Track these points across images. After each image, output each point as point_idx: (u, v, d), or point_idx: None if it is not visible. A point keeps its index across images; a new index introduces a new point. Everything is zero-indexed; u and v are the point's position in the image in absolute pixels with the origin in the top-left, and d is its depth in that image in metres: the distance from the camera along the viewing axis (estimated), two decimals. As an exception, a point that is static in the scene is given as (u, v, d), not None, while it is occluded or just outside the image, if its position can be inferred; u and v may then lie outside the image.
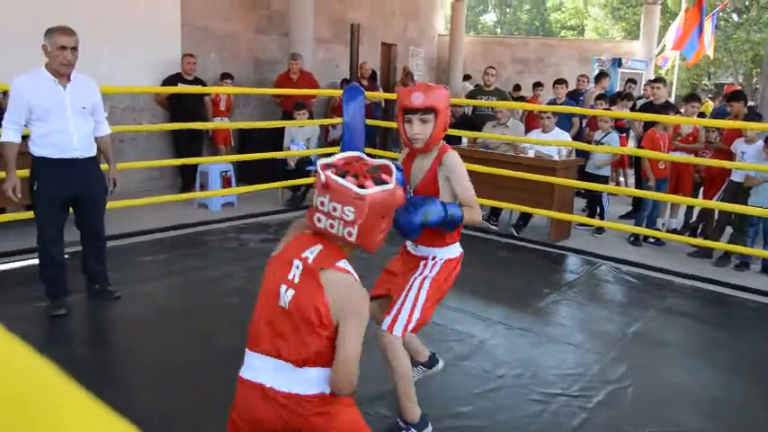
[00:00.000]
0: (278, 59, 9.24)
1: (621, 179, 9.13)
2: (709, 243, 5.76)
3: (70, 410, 0.45)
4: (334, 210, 1.61)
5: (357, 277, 1.70)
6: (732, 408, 3.26)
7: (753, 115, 6.15)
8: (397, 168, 2.54)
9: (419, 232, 2.31)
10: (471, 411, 2.99)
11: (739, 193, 5.68)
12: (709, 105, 11.32)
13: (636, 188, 7.22)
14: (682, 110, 7.56)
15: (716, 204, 5.94)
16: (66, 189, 3.74)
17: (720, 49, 20.01)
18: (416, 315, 2.53)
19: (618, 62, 12.86)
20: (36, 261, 4.00)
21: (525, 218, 6.60)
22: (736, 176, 5.77)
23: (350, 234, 1.62)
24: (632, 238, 6.46)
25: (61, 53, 3.58)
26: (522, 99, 10.85)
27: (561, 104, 7.83)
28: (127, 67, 7.01)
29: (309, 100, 8.15)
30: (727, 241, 5.81)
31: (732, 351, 3.97)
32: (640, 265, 5.58)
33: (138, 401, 2.94)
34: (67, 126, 3.68)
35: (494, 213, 6.77)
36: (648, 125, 6.86)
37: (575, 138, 7.47)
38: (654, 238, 6.33)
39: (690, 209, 7.00)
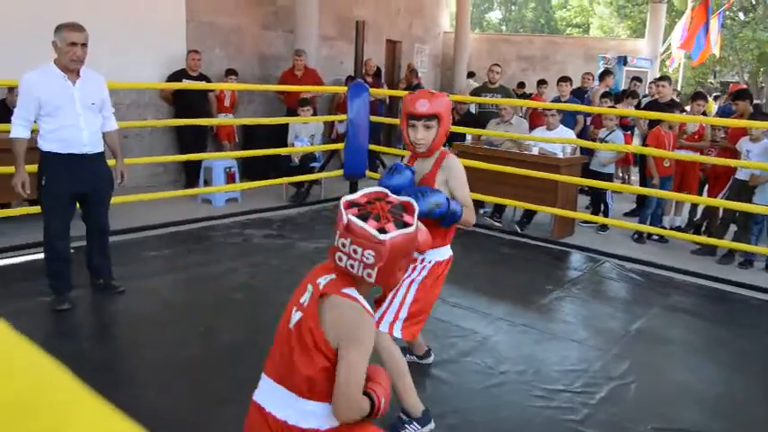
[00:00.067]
0: (283, 56, 9.25)
1: (625, 176, 9.11)
2: (712, 241, 5.75)
3: (75, 409, 0.45)
4: (355, 252, 1.63)
5: (365, 305, 1.69)
6: (734, 405, 3.26)
7: (758, 114, 6.12)
8: (408, 169, 2.59)
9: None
10: (474, 407, 2.99)
11: (744, 191, 5.67)
12: (711, 104, 11.28)
13: (640, 186, 7.20)
14: (687, 108, 7.54)
15: (720, 202, 5.93)
16: (75, 185, 3.76)
17: (726, 47, 19.92)
18: (403, 314, 2.61)
19: (623, 60, 12.81)
20: (41, 256, 4.02)
21: (529, 215, 6.59)
22: (741, 175, 5.76)
23: (369, 275, 1.64)
24: (636, 236, 6.45)
25: (71, 49, 3.59)
26: (525, 96, 10.84)
27: (565, 102, 7.81)
28: (131, 62, 7.02)
29: (314, 96, 8.15)
30: (731, 239, 5.80)
31: (734, 348, 3.96)
32: (644, 263, 5.57)
33: (143, 396, 2.95)
34: (77, 121, 3.70)
35: (497, 210, 6.76)
36: (653, 123, 6.84)
37: (579, 135, 7.45)
38: (658, 235, 6.32)
39: (694, 206, 6.99)
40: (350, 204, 1.68)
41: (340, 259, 1.66)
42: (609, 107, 7.55)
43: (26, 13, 6.14)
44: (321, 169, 7.60)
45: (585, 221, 6.77)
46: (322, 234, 5.95)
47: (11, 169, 4.67)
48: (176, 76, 7.34)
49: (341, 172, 7.14)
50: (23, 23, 6.07)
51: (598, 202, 7.01)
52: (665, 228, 6.57)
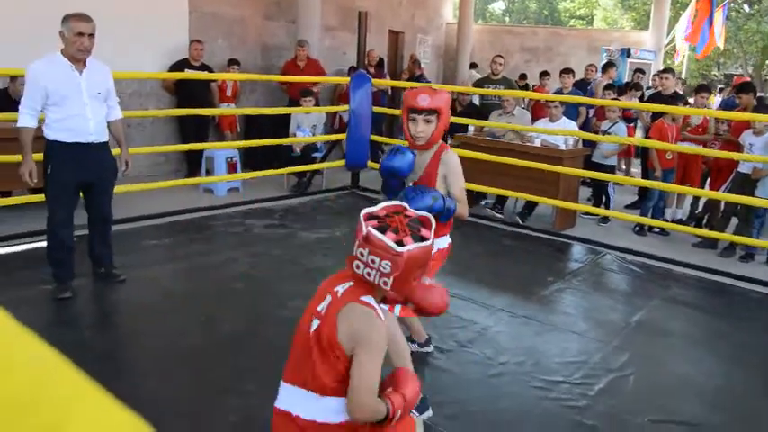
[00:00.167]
0: (285, 46, 9.22)
1: (626, 168, 9.10)
2: (714, 234, 5.75)
3: (76, 402, 0.45)
4: (373, 262, 1.71)
5: (379, 311, 1.76)
6: (733, 397, 3.27)
7: (762, 107, 6.10)
8: (410, 151, 2.64)
9: None
10: (473, 397, 3.00)
11: (746, 184, 5.66)
12: (712, 98, 11.25)
13: (642, 178, 7.19)
14: (691, 100, 7.52)
15: (722, 195, 5.92)
16: (81, 174, 3.77)
17: (731, 40, 19.85)
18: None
19: (627, 52, 12.76)
20: (43, 244, 4.03)
21: (530, 206, 6.59)
22: (744, 168, 5.75)
23: (385, 284, 1.72)
24: (637, 228, 6.45)
25: (78, 39, 3.60)
26: (527, 88, 10.80)
27: (568, 94, 7.79)
28: (134, 52, 7.01)
29: (316, 87, 8.13)
30: (733, 232, 5.79)
31: (734, 341, 3.97)
32: (645, 255, 5.57)
33: (143, 385, 2.96)
34: (84, 111, 3.71)
35: (499, 201, 6.76)
36: (656, 115, 6.82)
37: (581, 127, 7.43)
38: (659, 227, 6.32)
39: (696, 199, 6.98)
40: (369, 216, 1.76)
41: (357, 267, 1.74)
42: (612, 99, 7.53)
43: (27, 2, 6.13)
44: (323, 159, 7.59)
45: (587, 213, 6.77)
46: (323, 224, 5.95)
47: (12, 158, 4.69)
48: (179, 65, 7.33)
49: (343, 162, 7.13)
50: (24, 12, 6.06)
51: (600, 193, 7.00)
52: (666, 220, 6.57)
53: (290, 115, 7.57)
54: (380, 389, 1.77)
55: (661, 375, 3.42)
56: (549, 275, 4.93)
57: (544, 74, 10.03)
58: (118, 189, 4.22)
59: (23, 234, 4.85)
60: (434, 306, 2.04)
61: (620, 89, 8.50)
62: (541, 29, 17.38)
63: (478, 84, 8.40)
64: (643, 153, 7.34)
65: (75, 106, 3.68)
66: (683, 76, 14.06)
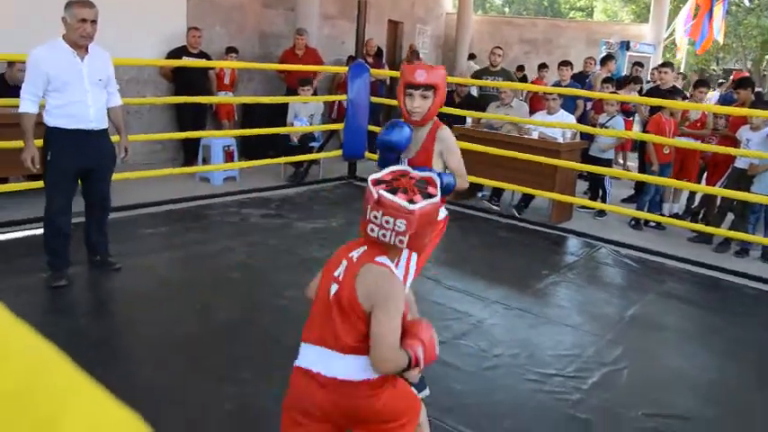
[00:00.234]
0: (283, 34, 9.18)
1: (623, 162, 9.10)
2: (709, 229, 5.76)
3: (72, 395, 0.45)
4: (387, 222, 1.76)
5: (393, 269, 1.82)
6: (727, 392, 3.29)
7: (759, 102, 6.10)
8: (407, 126, 2.67)
9: None
10: (467, 390, 3.02)
11: (742, 180, 5.67)
12: (711, 92, 11.27)
13: (639, 172, 7.20)
14: (688, 94, 7.52)
15: (718, 191, 5.93)
16: (81, 160, 3.77)
17: (730, 34, 19.82)
18: (412, 270, 2.69)
19: (626, 45, 12.73)
20: (37, 231, 4.02)
21: (527, 199, 6.60)
22: (740, 163, 5.76)
23: (401, 242, 1.78)
24: (633, 222, 6.46)
25: (81, 25, 3.59)
26: (524, 79, 10.78)
27: (566, 86, 7.78)
28: (132, 39, 6.96)
29: (314, 76, 8.10)
30: (728, 228, 5.81)
31: (728, 336, 3.99)
32: (640, 249, 5.59)
33: (139, 373, 2.97)
34: (85, 98, 3.71)
35: (496, 194, 6.77)
36: (654, 109, 6.82)
37: (579, 120, 7.43)
38: (655, 222, 6.33)
39: (692, 194, 7.00)
40: (377, 182, 1.82)
41: (372, 230, 1.79)
42: (610, 92, 7.53)
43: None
44: (320, 149, 7.58)
45: (583, 206, 6.78)
46: (320, 214, 5.95)
47: (8, 144, 4.68)
48: (176, 53, 7.29)
49: (340, 152, 7.11)
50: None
51: (596, 187, 7.01)
52: (663, 215, 6.58)
53: (287, 104, 7.55)
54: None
55: (655, 369, 3.44)
56: (545, 268, 4.94)
57: (542, 66, 10.01)
58: (114, 177, 4.21)
59: (20, 221, 4.84)
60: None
61: (619, 82, 8.49)
62: (541, 20, 17.34)
63: (477, 75, 8.38)
64: (640, 147, 7.35)
65: (77, 93, 3.67)
66: (681, 71, 14.04)
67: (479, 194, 7.15)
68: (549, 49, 14.28)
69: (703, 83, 7.26)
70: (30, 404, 0.42)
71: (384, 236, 1.78)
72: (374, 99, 7.27)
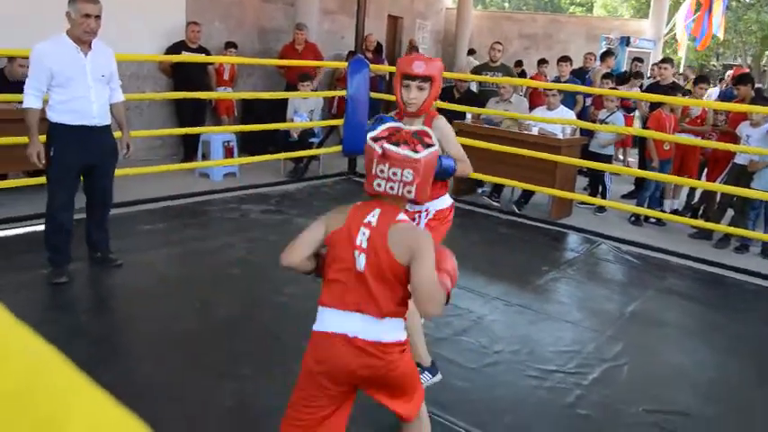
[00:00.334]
0: (283, 29, 9.16)
1: (624, 158, 9.10)
2: (709, 225, 5.76)
3: (72, 396, 0.45)
4: (394, 174, 1.84)
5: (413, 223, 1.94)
6: (727, 388, 3.29)
7: (759, 98, 6.09)
8: (393, 120, 2.69)
9: None
10: (468, 386, 3.02)
11: (742, 176, 5.67)
12: (711, 88, 11.28)
13: (639, 168, 7.19)
14: (691, 89, 7.51)
15: (718, 187, 5.93)
16: (84, 156, 3.76)
17: (730, 30, 19.79)
18: None
19: (626, 41, 12.71)
20: (39, 228, 4.01)
21: (527, 195, 6.59)
22: (740, 159, 5.76)
23: (409, 192, 1.86)
24: (633, 218, 6.46)
25: (85, 21, 3.58)
26: (523, 75, 10.76)
27: (565, 82, 7.77)
28: (131, 34, 6.94)
29: (314, 72, 8.09)
30: (728, 224, 5.80)
31: (728, 332, 3.99)
32: (640, 245, 5.59)
33: (139, 370, 2.97)
34: (88, 93, 3.70)
35: (496, 190, 6.76)
36: (655, 105, 6.81)
37: (579, 116, 7.42)
38: (655, 218, 6.33)
39: (692, 190, 6.99)
40: (376, 138, 1.89)
41: (379, 185, 1.86)
42: (610, 88, 7.51)
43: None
44: (320, 145, 7.57)
45: (583, 203, 6.77)
46: (320, 210, 5.89)
47: (8, 140, 4.68)
48: (175, 48, 7.26)
49: (340, 148, 7.10)
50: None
51: (596, 183, 7.00)
52: (664, 211, 6.58)
53: (287, 100, 7.53)
54: None
55: (655, 365, 3.44)
56: (545, 265, 4.94)
57: (542, 61, 9.99)
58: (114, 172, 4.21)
59: (19, 217, 4.83)
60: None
61: (619, 78, 8.47)
62: (541, 15, 17.30)
63: (476, 70, 8.36)
64: (640, 143, 7.34)
65: (80, 88, 3.67)
66: (681, 67, 14.03)
67: (479, 190, 7.15)
68: (548, 44, 14.25)
69: (703, 79, 7.24)
70: (30, 405, 0.42)
71: (392, 188, 1.86)
72: (374, 94, 7.26)
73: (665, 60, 7.86)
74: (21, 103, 3.75)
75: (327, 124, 7.84)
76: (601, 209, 6.73)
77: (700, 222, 6.01)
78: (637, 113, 8.44)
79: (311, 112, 7.52)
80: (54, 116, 3.67)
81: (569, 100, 7.67)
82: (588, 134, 6.95)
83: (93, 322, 3.51)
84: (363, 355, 1.86)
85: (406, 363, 1.95)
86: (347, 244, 1.88)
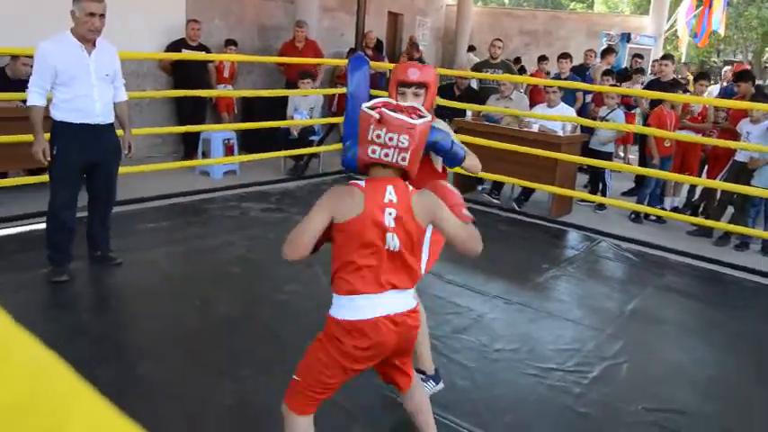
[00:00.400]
0: (283, 26, 9.15)
1: (624, 155, 9.09)
2: (709, 222, 5.76)
3: (74, 404, 0.45)
4: (391, 140, 1.87)
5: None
6: (727, 386, 3.30)
7: (760, 95, 6.09)
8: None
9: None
10: (467, 385, 3.02)
11: (743, 173, 5.66)
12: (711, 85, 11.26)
13: (639, 165, 7.19)
14: (690, 88, 7.50)
15: (719, 184, 5.93)
16: (87, 155, 3.77)
17: (731, 26, 19.76)
18: (426, 256, 2.75)
19: (627, 37, 12.69)
20: (39, 227, 4.02)
21: (527, 192, 6.59)
22: (741, 157, 5.75)
23: (404, 159, 1.89)
24: (633, 216, 6.46)
25: (90, 20, 3.59)
26: (522, 71, 10.75)
27: (565, 79, 7.76)
28: (131, 31, 6.93)
29: (315, 69, 8.08)
30: (728, 221, 5.80)
31: (728, 330, 3.99)
32: (640, 243, 5.59)
33: (140, 368, 2.97)
34: (92, 92, 3.71)
35: (496, 187, 6.76)
36: (655, 102, 6.80)
37: (578, 113, 7.41)
38: (655, 215, 6.33)
39: (693, 187, 6.99)
40: (372, 107, 1.91)
41: (374, 151, 1.89)
42: (610, 85, 7.50)
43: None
44: (320, 143, 7.57)
45: (583, 200, 6.77)
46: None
47: (8, 138, 4.68)
48: (175, 45, 7.26)
49: (340, 145, 7.10)
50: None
51: (597, 180, 7.00)
52: (664, 208, 6.58)
53: (287, 97, 7.52)
54: None
55: (655, 363, 3.44)
56: (545, 262, 4.94)
57: (542, 58, 9.98)
58: (114, 171, 4.21)
59: (20, 216, 4.83)
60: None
61: (620, 75, 8.47)
62: (541, 12, 17.30)
63: (477, 67, 8.35)
64: (641, 140, 7.33)
65: (83, 87, 3.68)
66: (682, 62, 14.00)
67: (479, 188, 7.15)
68: (549, 41, 14.24)
69: (704, 75, 7.23)
70: (31, 411, 0.42)
71: (387, 155, 1.88)
72: (374, 92, 7.26)
73: (666, 57, 7.84)
74: (22, 101, 3.76)
75: (328, 122, 7.83)
76: (601, 206, 6.73)
77: (700, 220, 6.01)
78: (638, 110, 8.43)
79: (311, 110, 7.52)
80: (57, 114, 3.68)
81: (570, 97, 7.66)
82: (588, 131, 6.94)
83: (94, 321, 3.51)
84: (403, 327, 1.96)
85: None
86: (374, 228, 1.90)
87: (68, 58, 3.62)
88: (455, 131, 6.57)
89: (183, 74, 7.25)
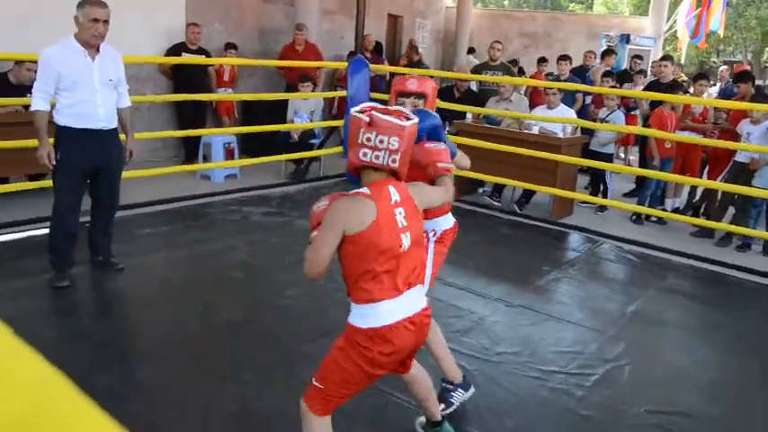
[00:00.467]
0: (283, 29, 9.15)
1: (625, 156, 9.08)
2: (711, 223, 5.76)
3: (77, 419, 0.45)
4: (381, 142, 1.90)
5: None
6: (730, 387, 3.29)
7: (760, 96, 6.08)
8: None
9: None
10: (469, 387, 3.02)
11: (743, 174, 5.66)
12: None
13: (640, 166, 7.18)
14: (690, 89, 7.49)
15: (719, 185, 5.92)
16: (90, 159, 3.79)
17: (731, 26, 19.77)
18: (429, 276, 2.75)
19: (626, 38, 12.70)
20: (39, 232, 4.02)
21: (528, 194, 6.59)
22: (741, 157, 5.75)
23: (394, 161, 1.92)
24: (634, 217, 6.45)
25: (93, 25, 3.61)
26: (521, 73, 10.75)
27: (565, 81, 7.76)
28: (130, 35, 6.93)
29: (315, 72, 8.08)
30: (730, 222, 5.80)
31: (730, 331, 3.99)
32: (642, 244, 5.58)
33: (142, 373, 2.97)
34: (95, 97, 3.72)
35: (496, 190, 6.76)
36: (655, 104, 6.80)
37: (578, 114, 7.41)
38: (656, 216, 6.32)
39: (693, 188, 6.98)
40: (360, 111, 1.94)
41: (365, 154, 1.92)
42: (610, 87, 7.50)
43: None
44: (320, 146, 7.57)
45: (584, 202, 6.77)
46: (321, 212, 5.93)
47: (9, 144, 4.69)
48: (175, 49, 7.27)
49: (340, 149, 7.11)
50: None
51: (597, 182, 7.00)
52: (665, 209, 6.58)
53: (287, 100, 7.53)
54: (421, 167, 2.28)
55: (657, 366, 3.44)
56: (546, 265, 4.94)
57: (542, 60, 9.98)
58: (115, 175, 4.22)
59: (21, 221, 4.83)
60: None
61: (619, 76, 8.46)
62: (540, 14, 17.31)
63: (476, 70, 8.36)
64: (641, 141, 7.33)
65: (86, 92, 3.69)
66: (681, 63, 14.00)
67: (480, 190, 7.15)
68: (548, 42, 14.24)
69: (703, 76, 7.23)
70: (35, 430, 0.43)
71: (377, 157, 1.91)
72: (374, 94, 7.26)
73: (665, 58, 7.84)
74: (24, 107, 3.77)
75: (328, 125, 7.84)
76: (602, 208, 6.73)
77: (701, 221, 6.01)
78: (638, 112, 8.42)
79: (311, 113, 7.53)
80: (61, 119, 3.70)
81: (569, 98, 7.67)
82: (589, 133, 6.94)
83: (96, 326, 3.51)
84: (420, 326, 2.01)
85: None
86: (391, 233, 1.93)
87: (72, 63, 3.63)
88: (455, 134, 6.64)
89: (183, 78, 7.26)
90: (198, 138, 7.03)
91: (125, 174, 5.33)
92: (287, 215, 5.78)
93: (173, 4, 7.66)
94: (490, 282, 4.46)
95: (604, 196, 6.81)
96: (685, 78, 10.47)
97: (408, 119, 1.95)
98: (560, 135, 6.33)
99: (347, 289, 2.00)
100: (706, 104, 6.66)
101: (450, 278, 4.38)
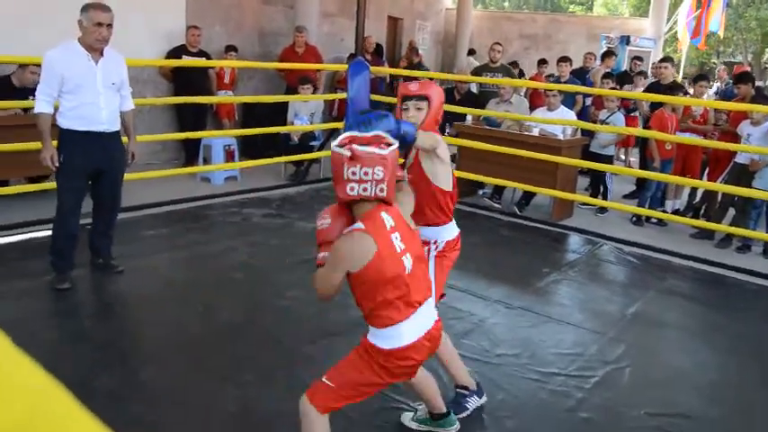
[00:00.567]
0: (283, 32, 9.16)
1: (625, 158, 9.09)
2: (711, 225, 5.76)
3: (73, 425, 0.46)
4: (366, 174, 1.91)
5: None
6: (730, 389, 3.29)
7: (760, 97, 6.09)
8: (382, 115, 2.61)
9: None
10: (470, 389, 3.02)
11: (743, 175, 5.66)
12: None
13: (640, 168, 7.19)
14: (690, 90, 7.50)
15: (720, 186, 5.92)
16: (92, 162, 3.80)
17: (731, 27, 19.77)
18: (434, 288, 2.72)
19: (626, 40, 12.71)
20: (39, 234, 4.02)
21: (528, 196, 6.59)
22: (741, 158, 5.75)
23: (382, 190, 1.93)
24: (634, 219, 6.46)
25: (97, 29, 3.63)
26: (520, 75, 10.76)
27: (565, 82, 7.77)
28: (131, 38, 6.94)
29: (315, 74, 8.09)
30: (730, 223, 5.80)
31: (730, 333, 3.99)
32: (642, 246, 5.59)
33: (143, 374, 2.98)
34: (98, 100, 3.74)
35: (497, 191, 6.76)
36: (655, 105, 6.81)
37: (578, 116, 7.41)
38: (656, 218, 6.32)
39: (694, 190, 6.98)
40: (341, 145, 1.95)
41: (352, 189, 1.93)
42: (610, 88, 7.51)
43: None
44: (321, 148, 7.57)
45: (584, 203, 6.77)
46: (321, 213, 5.94)
47: (10, 147, 4.70)
48: (176, 52, 7.27)
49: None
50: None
51: (597, 183, 7.00)
52: (665, 211, 6.58)
53: (287, 103, 7.53)
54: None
55: (657, 367, 3.44)
56: (546, 266, 4.94)
57: (542, 62, 9.99)
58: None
59: (21, 224, 4.83)
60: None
61: (619, 78, 8.47)
62: (541, 15, 17.31)
63: (477, 71, 8.37)
64: (642, 143, 7.33)
65: (89, 95, 3.71)
66: (682, 64, 14.01)
67: (480, 192, 7.15)
68: (548, 44, 14.25)
69: (703, 77, 7.23)
70: None
71: (365, 190, 1.93)
72: (374, 97, 7.27)
73: (665, 59, 7.85)
74: (23, 109, 3.78)
75: (328, 127, 7.84)
76: (602, 209, 6.73)
77: (701, 222, 6.01)
78: (638, 113, 8.43)
79: (312, 115, 7.53)
80: (64, 122, 3.72)
81: (569, 100, 7.67)
82: (589, 135, 6.95)
83: (97, 328, 3.52)
84: (434, 339, 2.09)
85: None
86: (392, 259, 1.96)
87: (75, 66, 3.65)
88: (455, 135, 6.64)
89: (183, 80, 7.26)
90: (198, 140, 7.03)
91: (126, 176, 5.35)
92: (287, 217, 5.78)
93: (173, 6, 7.67)
94: (490, 283, 4.46)
95: (604, 198, 6.81)
96: (680, 80, 10.47)
97: (389, 144, 1.97)
98: (560, 137, 6.34)
99: (363, 315, 2.05)
100: (706, 106, 6.66)
101: (450, 280, 4.34)
